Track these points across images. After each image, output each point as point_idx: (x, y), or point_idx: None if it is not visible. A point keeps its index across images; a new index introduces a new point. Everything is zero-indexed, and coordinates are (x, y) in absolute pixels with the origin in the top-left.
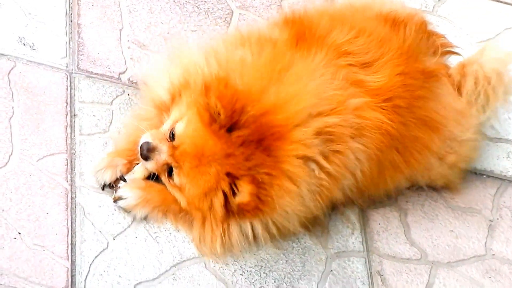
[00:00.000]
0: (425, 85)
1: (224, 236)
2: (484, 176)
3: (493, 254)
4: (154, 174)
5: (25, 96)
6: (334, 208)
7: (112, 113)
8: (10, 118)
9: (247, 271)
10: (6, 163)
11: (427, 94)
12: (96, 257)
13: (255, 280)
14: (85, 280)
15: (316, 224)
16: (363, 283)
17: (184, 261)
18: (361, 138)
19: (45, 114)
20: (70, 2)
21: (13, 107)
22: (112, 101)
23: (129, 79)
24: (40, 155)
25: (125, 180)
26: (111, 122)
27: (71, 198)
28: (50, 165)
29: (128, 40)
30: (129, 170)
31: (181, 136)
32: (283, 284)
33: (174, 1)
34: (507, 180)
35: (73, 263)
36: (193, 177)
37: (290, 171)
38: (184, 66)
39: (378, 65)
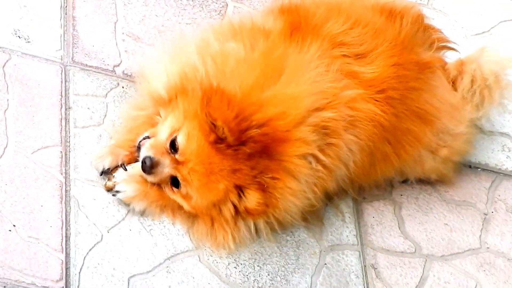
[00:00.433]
0: (420, 77)
1: (233, 233)
2: (479, 169)
3: (488, 248)
4: None
5: (20, 89)
6: (328, 200)
7: (107, 106)
8: (5, 111)
9: (241, 264)
10: (1, 156)
11: (421, 85)
12: (90, 249)
13: (249, 273)
14: (79, 273)
15: (314, 216)
16: (357, 276)
17: (178, 254)
18: (354, 130)
19: (40, 107)
20: None
21: (8, 100)
22: (106, 94)
23: (123, 71)
24: (34, 148)
25: (125, 169)
26: (105, 115)
27: (66, 191)
28: (45, 157)
29: (123, 33)
30: (130, 162)
31: (186, 153)
32: (277, 277)
33: None
34: (501, 173)
35: (67, 255)
36: (202, 193)
37: (293, 170)
38: (181, 65)
39: (373, 56)
